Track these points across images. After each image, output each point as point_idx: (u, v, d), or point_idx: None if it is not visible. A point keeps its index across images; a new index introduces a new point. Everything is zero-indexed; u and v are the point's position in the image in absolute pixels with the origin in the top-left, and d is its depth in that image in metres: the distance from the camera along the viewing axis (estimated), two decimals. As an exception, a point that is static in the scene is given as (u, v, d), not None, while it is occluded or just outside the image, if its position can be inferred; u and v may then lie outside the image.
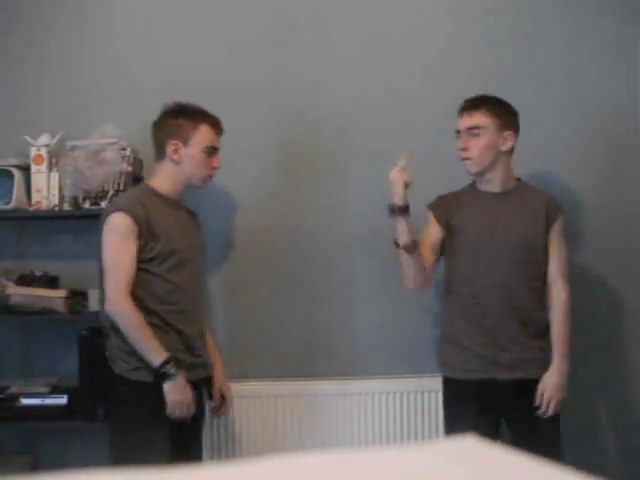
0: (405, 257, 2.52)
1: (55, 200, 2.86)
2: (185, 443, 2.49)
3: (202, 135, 2.48)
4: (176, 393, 2.34)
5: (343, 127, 3.08)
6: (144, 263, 2.40)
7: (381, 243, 3.07)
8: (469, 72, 3.09)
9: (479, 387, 2.51)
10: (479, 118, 2.54)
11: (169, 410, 2.35)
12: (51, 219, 2.98)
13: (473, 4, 3.11)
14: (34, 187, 2.86)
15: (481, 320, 2.53)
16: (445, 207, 2.62)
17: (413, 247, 2.49)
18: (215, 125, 2.52)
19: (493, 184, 2.60)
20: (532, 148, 2.88)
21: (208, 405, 2.66)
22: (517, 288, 2.54)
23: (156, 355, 2.33)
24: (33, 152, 2.87)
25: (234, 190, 3.05)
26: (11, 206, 2.82)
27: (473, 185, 2.66)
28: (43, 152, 2.86)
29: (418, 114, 3.10)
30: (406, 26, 3.11)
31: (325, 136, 3.08)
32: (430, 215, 2.63)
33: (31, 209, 2.87)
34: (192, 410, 2.39)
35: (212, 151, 2.51)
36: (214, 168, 2.54)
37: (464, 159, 2.56)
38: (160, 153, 2.52)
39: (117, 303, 2.35)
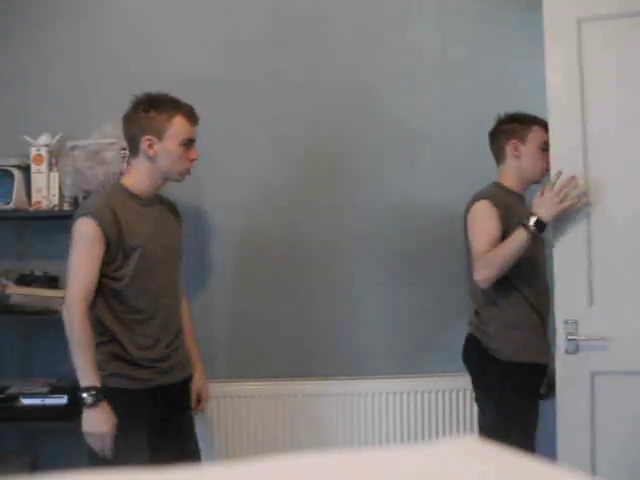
0: (508, 263, 2.43)
1: (55, 200, 2.86)
2: (178, 439, 2.45)
3: (177, 127, 2.34)
4: (91, 424, 2.21)
5: (343, 127, 3.08)
6: (116, 271, 2.30)
7: (381, 243, 3.08)
8: (467, 71, 3.10)
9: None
10: None
11: (85, 438, 2.22)
12: (51, 219, 2.98)
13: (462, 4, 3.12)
14: (34, 187, 2.86)
15: (540, 308, 2.60)
16: (501, 203, 2.55)
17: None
18: (189, 115, 2.37)
19: (525, 191, 2.69)
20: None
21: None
22: None
23: (84, 377, 2.21)
24: (33, 152, 2.86)
25: (234, 190, 3.05)
26: (11, 206, 2.82)
27: (500, 186, 2.63)
28: (43, 152, 2.86)
29: (418, 113, 3.10)
30: (405, 25, 3.11)
31: (325, 136, 3.08)
32: (492, 209, 2.53)
33: (31, 209, 2.87)
34: (108, 445, 2.22)
35: (189, 143, 2.38)
36: (192, 160, 2.40)
37: (548, 170, 2.59)
38: (134, 149, 2.38)
39: (68, 309, 2.24)
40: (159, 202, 2.48)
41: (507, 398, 2.51)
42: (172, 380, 2.42)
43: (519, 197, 2.66)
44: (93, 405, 2.20)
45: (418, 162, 3.10)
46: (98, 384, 2.22)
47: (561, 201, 2.35)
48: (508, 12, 3.08)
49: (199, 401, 2.61)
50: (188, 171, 2.42)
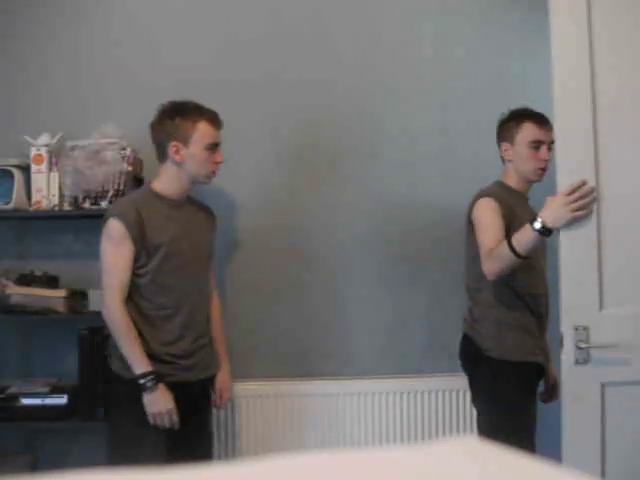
0: (514, 262, 2.34)
1: (55, 200, 2.86)
2: (192, 441, 2.49)
3: (202, 133, 2.43)
4: (154, 405, 2.35)
5: (343, 127, 3.08)
6: (139, 268, 2.40)
7: (381, 243, 3.08)
8: (467, 71, 3.10)
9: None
10: (551, 134, 2.52)
11: (151, 420, 2.36)
12: (51, 219, 2.98)
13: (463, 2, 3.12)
14: (34, 187, 2.86)
15: (537, 309, 2.56)
16: (505, 202, 2.50)
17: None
18: (213, 120, 2.47)
19: (528, 191, 2.64)
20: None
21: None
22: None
23: (137, 366, 2.35)
24: (33, 152, 2.86)
25: (234, 190, 3.05)
26: (11, 206, 2.81)
27: (503, 185, 2.61)
28: (43, 152, 2.86)
29: (418, 113, 3.10)
30: (404, 24, 3.11)
31: (325, 136, 3.08)
32: (496, 205, 2.48)
33: (31, 209, 2.86)
34: (175, 419, 2.38)
35: (214, 147, 2.47)
36: (218, 163, 2.49)
37: (542, 169, 2.54)
38: (161, 155, 2.49)
39: (108, 308, 2.37)
40: (190, 204, 2.58)
41: (500, 397, 2.49)
42: (193, 378, 2.48)
43: (522, 197, 2.62)
44: (153, 388, 2.34)
45: (418, 162, 3.10)
46: (152, 368, 2.36)
47: (573, 210, 2.17)
48: (508, 12, 3.08)
49: (221, 397, 2.67)
50: (214, 173, 2.52)
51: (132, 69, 3.03)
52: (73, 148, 2.84)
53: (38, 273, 2.89)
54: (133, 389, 2.37)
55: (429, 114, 3.10)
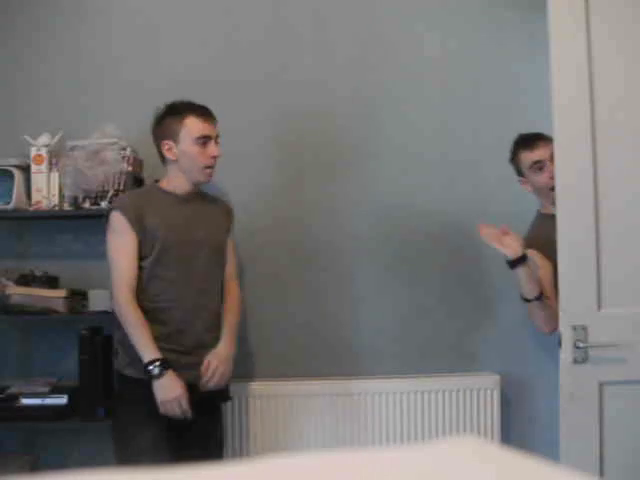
0: (536, 307, 2.37)
1: (55, 200, 2.86)
2: (198, 445, 2.47)
3: (189, 127, 2.46)
4: (162, 392, 2.33)
5: (343, 127, 3.08)
6: (141, 260, 2.43)
7: (382, 243, 3.08)
8: (467, 70, 3.09)
9: None
10: (549, 148, 2.48)
11: (161, 409, 2.34)
12: (51, 219, 2.98)
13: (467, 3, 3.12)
14: (34, 187, 2.86)
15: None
16: (544, 243, 2.41)
17: (541, 296, 2.36)
18: (202, 114, 2.48)
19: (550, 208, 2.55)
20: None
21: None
22: None
23: (145, 353, 2.34)
24: (33, 152, 2.86)
25: (234, 190, 3.05)
26: (11, 206, 2.81)
27: (543, 215, 2.59)
28: (43, 152, 2.86)
29: (418, 113, 3.10)
30: (404, 24, 3.11)
31: (325, 136, 3.08)
32: (535, 253, 2.44)
33: (31, 209, 2.86)
34: (185, 407, 2.34)
35: (205, 140, 2.48)
36: (213, 157, 2.49)
37: (553, 187, 2.41)
38: (161, 157, 2.54)
39: (116, 301, 2.40)
40: (202, 199, 2.60)
41: None
42: (197, 380, 2.44)
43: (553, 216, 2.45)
44: (161, 375, 2.33)
45: (418, 162, 3.10)
46: (159, 355, 2.34)
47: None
48: (508, 11, 3.08)
49: (207, 369, 2.47)
50: (210, 169, 2.50)
51: (132, 69, 3.03)
52: (73, 148, 2.84)
53: (38, 273, 2.88)
54: (136, 388, 2.37)
55: (429, 114, 3.10)
